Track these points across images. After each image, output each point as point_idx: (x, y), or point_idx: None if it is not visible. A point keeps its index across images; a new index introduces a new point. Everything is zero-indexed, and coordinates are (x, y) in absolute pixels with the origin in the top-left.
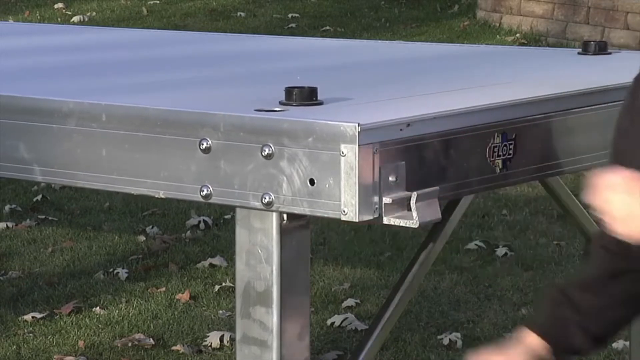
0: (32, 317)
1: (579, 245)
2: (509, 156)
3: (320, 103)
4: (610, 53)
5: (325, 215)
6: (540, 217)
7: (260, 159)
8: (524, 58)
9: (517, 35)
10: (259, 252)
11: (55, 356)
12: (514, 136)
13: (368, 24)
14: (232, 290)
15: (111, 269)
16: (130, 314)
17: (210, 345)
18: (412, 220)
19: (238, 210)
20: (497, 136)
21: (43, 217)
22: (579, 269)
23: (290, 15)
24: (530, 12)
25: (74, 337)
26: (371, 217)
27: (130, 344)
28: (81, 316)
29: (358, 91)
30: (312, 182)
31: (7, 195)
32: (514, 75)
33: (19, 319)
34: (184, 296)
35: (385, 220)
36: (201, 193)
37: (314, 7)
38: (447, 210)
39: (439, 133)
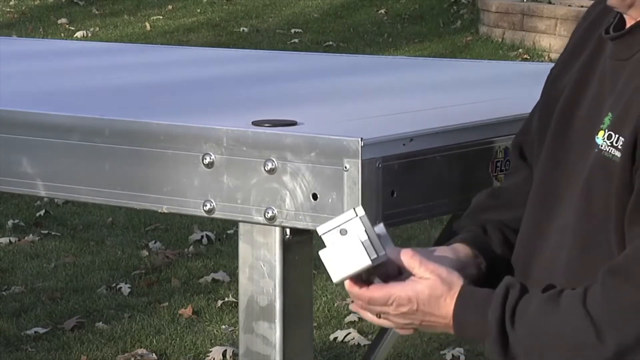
0: (35, 332)
1: None
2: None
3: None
4: None
5: None
6: None
7: (263, 173)
8: (526, 73)
9: (520, 50)
10: (262, 266)
11: None
12: None
13: (371, 40)
14: (235, 305)
15: (114, 284)
16: (133, 329)
17: None
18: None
19: (241, 225)
20: (500, 151)
21: (46, 232)
22: None
23: (293, 31)
24: (533, 27)
25: (77, 353)
26: None
27: (133, 359)
28: (84, 331)
29: (360, 106)
30: (315, 196)
31: (10, 210)
32: (516, 90)
33: (22, 334)
34: (187, 311)
35: None
36: (204, 208)
37: (316, 23)
38: (450, 225)
39: (441, 148)
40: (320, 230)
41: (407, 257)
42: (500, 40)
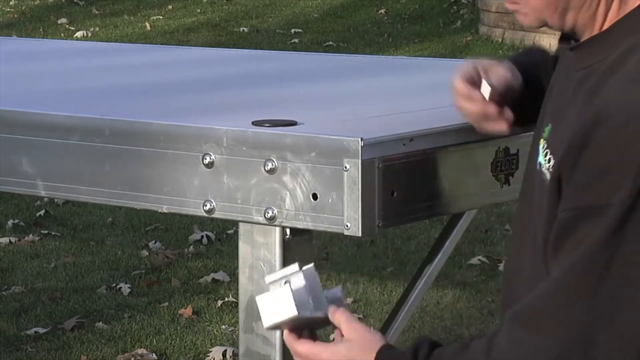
0: (35, 332)
1: None
2: (511, 171)
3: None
4: None
5: (328, 230)
6: None
7: (263, 173)
8: None
9: (520, 50)
10: (262, 266)
11: None
12: (516, 151)
13: (371, 40)
14: (235, 305)
15: (114, 284)
16: (133, 329)
17: None
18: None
19: (241, 224)
20: (500, 151)
21: (46, 232)
22: None
23: (293, 31)
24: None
25: (77, 353)
26: (374, 232)
27: (133, 359)
28: (84, 331)
29: (361, 106)
30: (315, 196)
31: (10, 210)
32: None
33: (22, 334)
34: (187, 311)
35: None
36: (204, 208)
37: (316, 23)
38: (450, 225)
39: (442, 148)
40: (267, 279)
41: (336, 315)
42: (500, 40)
